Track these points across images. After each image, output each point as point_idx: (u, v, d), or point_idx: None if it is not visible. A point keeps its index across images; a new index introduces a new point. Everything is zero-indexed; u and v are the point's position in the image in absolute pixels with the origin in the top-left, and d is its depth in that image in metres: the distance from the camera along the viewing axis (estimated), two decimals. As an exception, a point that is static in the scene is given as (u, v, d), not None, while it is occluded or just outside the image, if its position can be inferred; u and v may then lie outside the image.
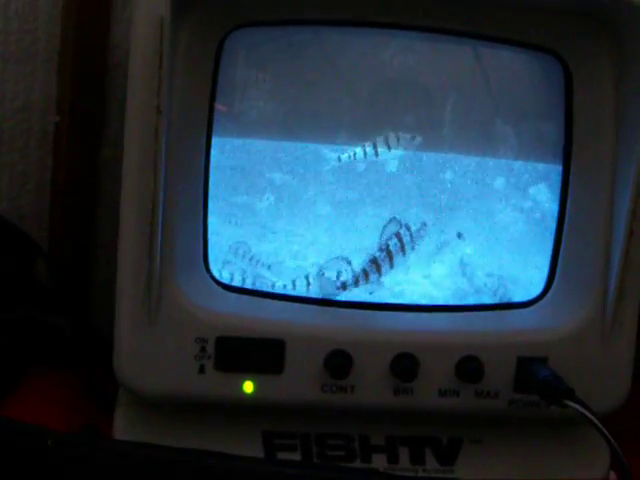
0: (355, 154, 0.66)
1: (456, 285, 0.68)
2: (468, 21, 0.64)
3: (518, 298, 0.68)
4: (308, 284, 0.65)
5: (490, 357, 0.64)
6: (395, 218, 0.66)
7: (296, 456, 0.66)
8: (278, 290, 0.65)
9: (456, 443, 0.67)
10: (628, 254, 0.64)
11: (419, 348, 0.63)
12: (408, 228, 0.66)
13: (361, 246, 0.66)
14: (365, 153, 0.66)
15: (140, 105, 0.59)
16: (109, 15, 0.81)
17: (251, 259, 0.66)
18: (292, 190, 0.66)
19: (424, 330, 0.65)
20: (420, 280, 0.67)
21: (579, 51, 0.64)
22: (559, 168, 0.67)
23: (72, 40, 0.80)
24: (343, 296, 0.66)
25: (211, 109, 0.63)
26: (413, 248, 0.66)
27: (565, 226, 0.66)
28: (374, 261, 0.66)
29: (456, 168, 0.67)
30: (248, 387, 0.63)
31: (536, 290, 0.67)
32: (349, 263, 0.65)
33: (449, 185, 0.67)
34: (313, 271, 0.66)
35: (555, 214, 0.67)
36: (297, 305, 0.64)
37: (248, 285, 0.65)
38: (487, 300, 0.68)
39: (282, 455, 0.66)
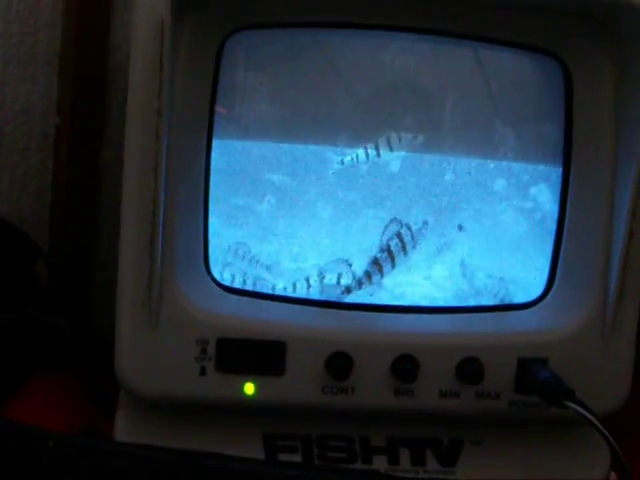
0: (357, 156, 0.66)
1: (457, 286, 0.68)
2: (468, 23, 0.64)
3: (518, 299, 0.68)
4: (309, 286, 0.66)
5: (490, 358, 0.64)
6: (396, 218, 0.66)
7: (297, 458, 0.66)
8: (279, 292, 0.65)
9: (457, 444, 0.67)
10: (628, 255, 0.64)
11: (420, 349, 0.63)
12: (409, 227, 0.66)
13: (362, 247, 0.66)
14: (367, 155, 0.66)
15: (141, 107, 0.59)
16: (109, 17, 0.81)
17: (252, 260, 0.66)
18: (293, 192, 0.66)
19: (425, 331, 0.65)
20: (421, 281, 0.67)
21: (579, 52, 0.64)
22: (559, 169, 0.67)
23: (73, 42, 0.80)
24: (345, 298, 0.66)
25: (211, 111, 0.63)
26: (414, 247, 0.66)
27: (565, 227, 0.66)
28: (376, 262, 0.66)
29: (457, 169, 0.67)
30: (249, 389, 0.63)
31: (536, 291, 0.67)
32: (350, 265, 0.66)
33: (450, 186, 0.67)
34: (314, 273, 0.66)
35: (555, 215, 0.67)
36: (298, 307, 0.64)
37: (249, 287, 0.65)
38: (487, 301, 0.68)
39: (283, 457, 0.66)
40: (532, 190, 0.68)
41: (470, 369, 0.63)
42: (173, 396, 0.63)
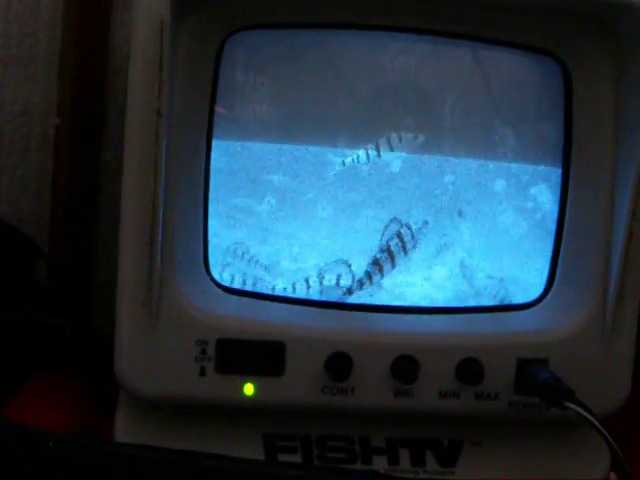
0: (358, 157, 0.66)
1: (456, 287, 0.68)
2: (468, 23, 0.64)
3: (518, 300, 0.68)
4: (308, 286, 0.66)
5: (490, 359, 0.64)
6: (396, 218, 0.66)
7: (297, 458, 0.66)
8: (278, 292, 0.65)
9: (457, 445, 0.67)
10: (628, 255, 0.64)
11: (419, 350, 0.63)
12: (409, 227, 0.66)
13: (362, 248, 0.66)
14: (368, 155, 0.66)
15: (140, 108, 0.59)
16: (109, 18, 0.81)
17: (251, 261, 0.66)
18: (293, 192, 0.66)
19: (424, 332, 0.65)
20: (420, 282, 0.67)
21: (578, 52, 0.64)
22: (559, 169, 0.67)
23: (72, 43, 0.80)
24: (344, 298, 0.66)
25: (211, 112, 0.63)
26: (415, 247, 0.66)
27: (565, 227, 0.66)
28: (376, 262, 0.66)
29: (457, 170, 0.67)
30: (248, 389, 0.63)
31: (536, 292, 0.67)
32: (349, 266, 0.66)
33: (449, 187, 0.67)
34: (313, 273, 0.66)
35: (555, 215, 0.67)
36: (297, 307, 0.64)
37: (248, 287, 0.65)
38: (487, 302, 0.67)
39: (283, 457, 0.66)
40: (532, 190, 0.68)
41: (470, 370, 0.63)
42: (173, 396, 0.63)
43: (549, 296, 0.67)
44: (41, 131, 0.83)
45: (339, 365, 0.62)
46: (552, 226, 0.67)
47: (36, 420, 0.61)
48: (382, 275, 0.66)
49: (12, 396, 0.73)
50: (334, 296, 0.66)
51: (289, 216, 0.66)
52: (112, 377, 0.63)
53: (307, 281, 0.66)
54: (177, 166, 0.61)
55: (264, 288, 0.66)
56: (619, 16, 0.62)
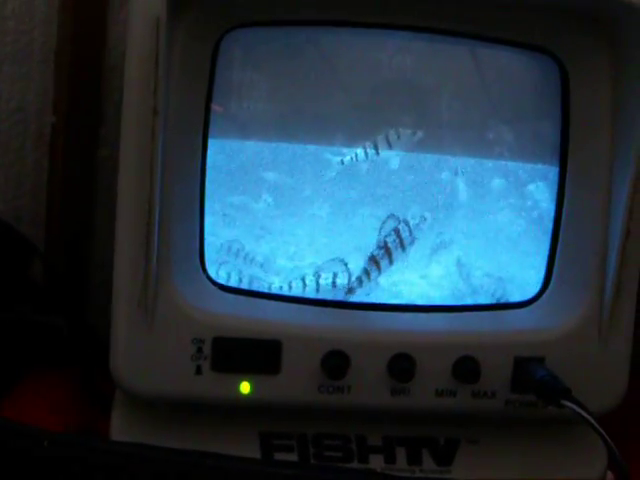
0: (357, 155, 0.66)
1: (453, 285, 0.68)
2: (465, 21, 0.64)
3: (515, 298, 0.68)
4: (304, 285, 0.65)
5: (487, 357, 0.64)
6: (393, 214, 0.66)
7: (293, 457, 0.66)
8: (275, 290, 0.65)
9: (453, 443, 0.67)
10: (625, 253, 0.64)
11: (416, 348, 0.63)
12: (407, 223, 0.66)
13: (359, 246, 0.66)
14: (366, 153, 0.66)
15: (136, 106, 0.59)
16: (105, 16, 0.81)
17: (247, 259, 0.66)
18: (290, 191, 0.66)
19: (421, 330, 0.65)
20: (417, 280, 0.67)
21: (576, 51, 0.64)
22: (556, 168, 0.67)
23: (68, 40, 0.80)
24: (340, 296, 0.66)
25: (207, 110, 0.62)
26: (412, 243, 0.66)
27: (562, 226, 0.66)
28: (373, 259, 0.66)
29: (454, 168, 0.67)
30: (245, 388, 0.63)
31: (533, 290, 0.67)
32: (345, 264, 0.65)
33: (446, 185, 0.67)
34: (310, 272, 0.66)
35: (552, 214, 0.67)
36: (294, 306, 0.64)
37: (245, 285, 0.65)
38: (484, 300, 0.67)
39: (279, 456, 0.66)
40: (529, 189, 0.68)
41: (466, 368, 0.63)
42: (169, 395, 0.63)
43: (546, 294, 0.67)
44: (37, 129, 0.83)
45: (335, 363, 0.62)
46: (549, 224, 0.67)
47: (32, 419, 0.61)
48: (379, 272, 0.66)
49: (8, 395, 0.73)
50: (331, 295, 0.66)
51: (285, 214, 0.66)
52: (108, 376, 0.63)
53: (303, 279, 0.65)
54: (173, 164, 0.61)
55: (260, 286, 0.66)
56: (617, 15, 0.62)
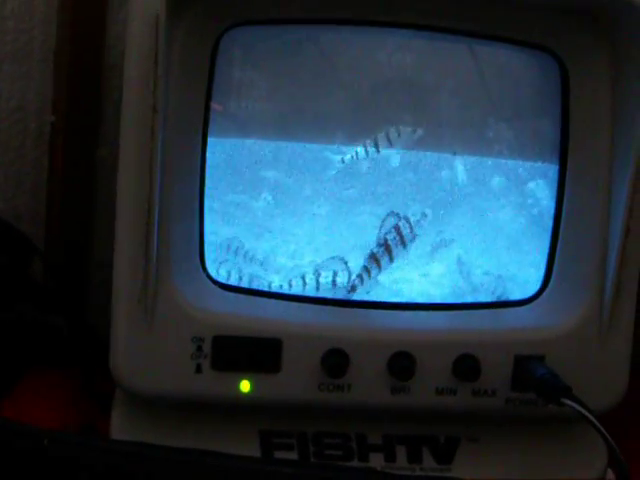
0: (357, 153, 0.66)
1: (453, 283, 0.68)
2: (465, 19, 0.64)
3: (515, 296, 0.68)
4: (304, 283, 0.65)
5: (487, 355, 0.64)
6: (393, 212, 0.66)
7: (293, 455, 0.66)
8: (275, 289, 0.65)
9: (453, 442, 0.67)
10: (625, 252, 0.64)
11: (416, 346, 0.63)
12: (407, 220, 0.66)
13: (359, 245, 0.66)
14: (367, 151, 0.65)
15: (136, 104, 0.59)
16: (105, 14, 0.81)
17: (247, 258, 0.66)
18: (290, 189, 0.66)
19: (421, 328, 0.65)
20: (417, 278, 0.67)
21: (576, 49, 0.64)
22: (556, 166, 0.67)
23: (68, 40, 0.80)
24: (340, 295, 0.66)
25: (207, 108, 0.62)
26: (413, 240, 0.66)
27: (562, 224, 0.66)
28: (373, 257, 0.66)
29: (454, 166, 0.67)
30: (245, 386, 0.63)
31: (533, 288, 0.67)
32: (345, 263, 0.65)
33: (447, 183, 0.67)
34: (310, 270, 0.66)
35: (552, 212, 0.67)
36: (294, 304, 0.64)
37: (245, 284, 0.65)
38: (484, 298, 0.67)
39: (279, 454, 0.66)
40: (529, 187, 0.68)
41: (467, 366, 0.63)
42: (169, 394, 0.63)
43: (546, 292, 0.67)
44: (36, 128, 0.83)
45: (335, 362, 0.62)
46: (549, 222, 0.67)
47: (32, 418, 0.61)
48: (380, 270, 0.66)
49: (8, 395, 0.73)
50: (331, 293, 0.66)
51: (285, 213, 0.66)
52: (108, 375, 0.63)
53: (303, 278, 0.65)
54: (173, 163, 0.61)
55: (260, 285, 0.65)
56: (617, 14, 0.62)
